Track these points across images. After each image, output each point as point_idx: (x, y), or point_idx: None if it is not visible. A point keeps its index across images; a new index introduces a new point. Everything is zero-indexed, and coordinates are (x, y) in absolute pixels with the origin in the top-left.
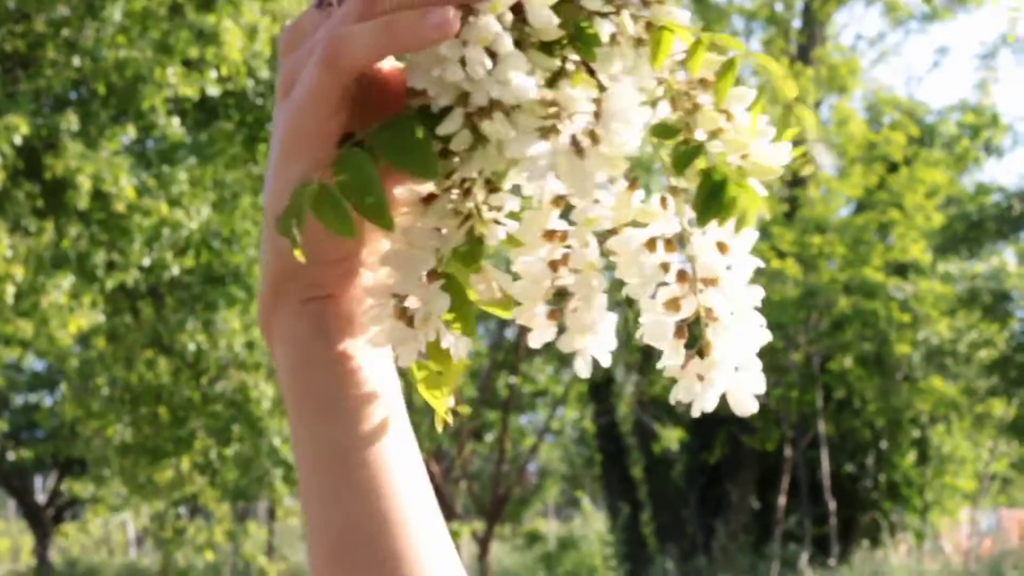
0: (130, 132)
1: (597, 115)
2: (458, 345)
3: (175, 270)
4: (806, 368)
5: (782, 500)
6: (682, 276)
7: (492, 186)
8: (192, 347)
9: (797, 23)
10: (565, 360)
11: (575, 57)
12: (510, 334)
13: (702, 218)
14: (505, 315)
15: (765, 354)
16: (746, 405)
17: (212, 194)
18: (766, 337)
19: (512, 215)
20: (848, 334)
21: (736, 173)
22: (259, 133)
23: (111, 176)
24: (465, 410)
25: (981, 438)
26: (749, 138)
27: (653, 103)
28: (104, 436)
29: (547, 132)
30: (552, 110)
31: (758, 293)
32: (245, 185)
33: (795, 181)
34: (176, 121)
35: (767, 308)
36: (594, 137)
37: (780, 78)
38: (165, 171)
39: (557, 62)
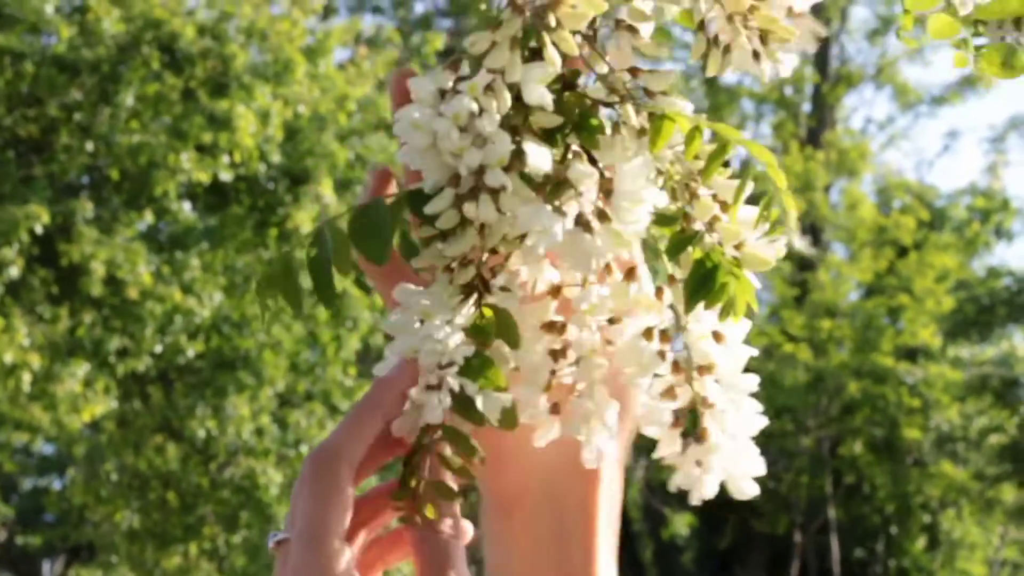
0: (147, 218)
1: (607, 193)
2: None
3: (190, 353)
4: (816, 453)
5: None
6: (676, 366)
7: (495, 264)
8: (201, 433)
9: (807, 107)
10: None
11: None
12: None
13: (690, 303)
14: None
15: (774, 438)
16: (745, 490)
17: (223, 279)
18: (762, 422)
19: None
20: (858, 419)
21: (729, 262)
22: (270, 218)
23: (127, 262)
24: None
25: (991, 524)
26: (745, 229)
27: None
28: (112, 521)
29: (556, 209)
30: (561, 191)
31: (753, 380)
32: (256, 270)
33: (804, 265)
34: (187, 205)
35: (777, 392)
36: (603, 215)
37: (772, 166)
38: (178, 257)
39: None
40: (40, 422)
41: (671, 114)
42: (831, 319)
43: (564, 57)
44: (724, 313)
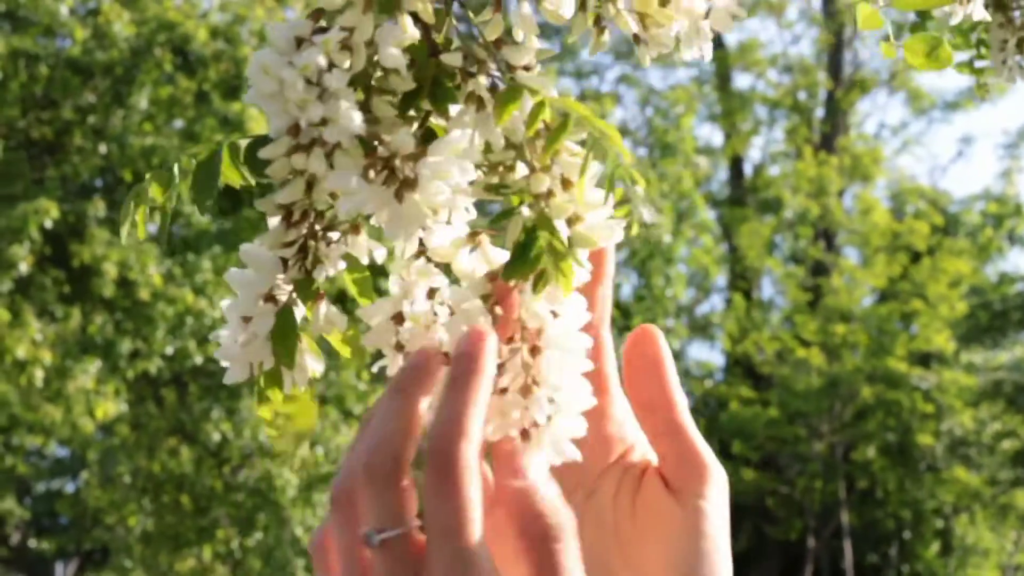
0: (156, 220)
1: (418, 160)
2: (296, 376)
3: (198, 360)
4: (829, 458)
5: None
6: (509, 340)
7: (328, 223)
8: (216, 436)
9: (820, 112)
10: None
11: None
12: None
13: (506, 273)
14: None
15: (788, 443)
16: (567, 452)
17: None
18: (590, 401)
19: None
20: (871, 424)
21: (552, 237)
22: None
23: (138, 264)
24: None
25: (1005, 529)
26: (582, 207)
27: (510, 166)
28: (126, 525)
29: (369, 170)
30: (383, 151)
31: (583, 342)
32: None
33: (818, 270)
34: None
35: (790, 397)
36: (410, 184)
37: (616, 139)
38: (190, 259)
39: (392, 110)
40: (53, 419)
41: (519, 86)
42: (845, 324)
43: (424, 23)
44: (536, 285)
